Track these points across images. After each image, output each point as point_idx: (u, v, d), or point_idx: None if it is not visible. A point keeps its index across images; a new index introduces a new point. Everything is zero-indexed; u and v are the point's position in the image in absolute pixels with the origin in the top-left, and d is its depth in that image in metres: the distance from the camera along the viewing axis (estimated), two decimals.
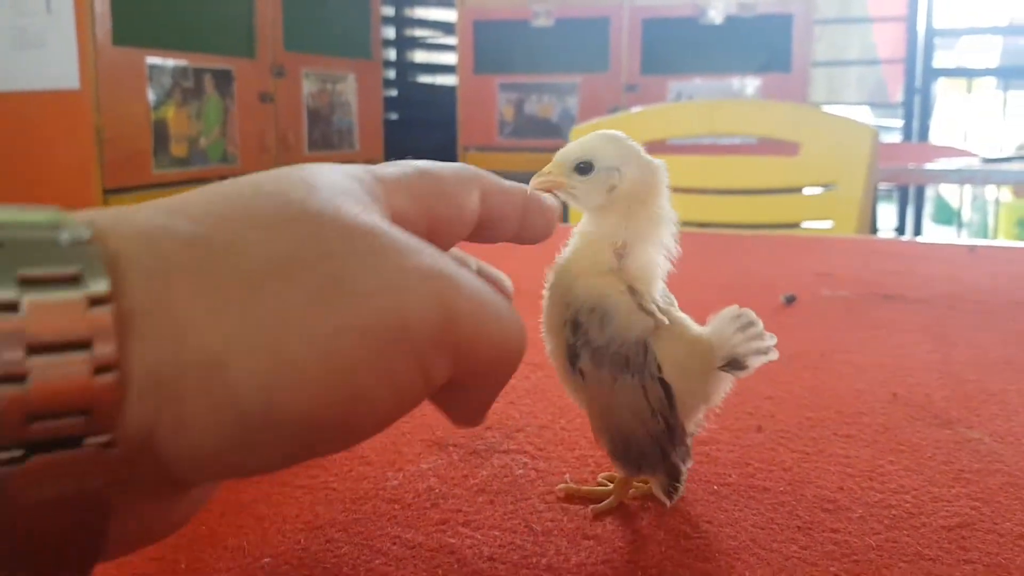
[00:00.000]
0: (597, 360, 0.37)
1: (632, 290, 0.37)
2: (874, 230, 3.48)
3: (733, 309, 0.38)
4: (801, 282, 0.89)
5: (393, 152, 4.15)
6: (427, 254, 0.27)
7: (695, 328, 0.39)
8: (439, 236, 0.31)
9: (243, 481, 0.43)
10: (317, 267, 0.25)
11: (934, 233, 5.26)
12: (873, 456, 0.46)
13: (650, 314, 0.37)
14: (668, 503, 0.39)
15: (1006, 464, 0.44)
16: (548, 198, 0.37)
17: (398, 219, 0.29)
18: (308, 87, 3.44)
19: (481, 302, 0.27)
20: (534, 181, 0.39)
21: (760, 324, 0.38)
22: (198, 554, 0.36)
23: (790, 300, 0.79)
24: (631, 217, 0.38)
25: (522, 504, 0.40)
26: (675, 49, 3.73)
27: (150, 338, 0.22)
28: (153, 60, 2.74)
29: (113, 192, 2.64)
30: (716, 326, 0.38)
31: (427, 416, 0.52)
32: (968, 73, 4.78)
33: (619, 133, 0.39)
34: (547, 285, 0.39)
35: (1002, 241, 3.75)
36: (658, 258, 0.38)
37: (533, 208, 0.35)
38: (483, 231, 0.34)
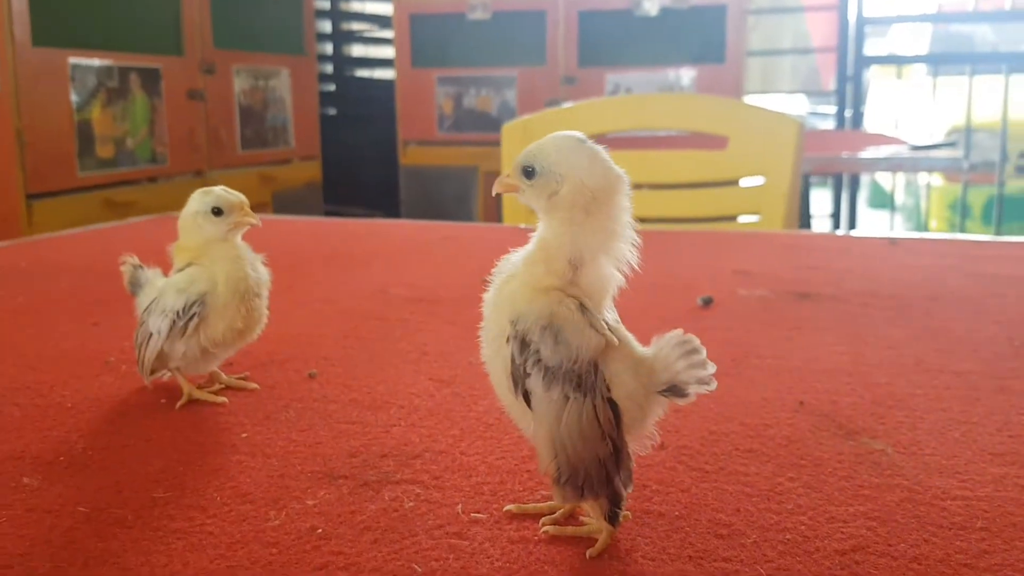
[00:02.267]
0: (549, 380, 0.35)
1: (582, 307, 0.36)
2: (807, 217, 3.52)
3: (678, 334, 0.37)
4: (719, 281, 0.88)
5: (331, 147, 4.08)
6: None
7: (639, 349, 0.37)
8: None
9: (115, 525, 0.40)
10: None
11: (870, 218, 5.35)
12: (774, 473, 0.45)
13: (601, 333, 0.35)
14: (613, 528, 0.37)
15: (906, 478, 0.44)
16: None
17: None
18: (240, 84, 3.37)
19: None
20: (496, 185, 0.38)
21: (703, 352, 0.37)
22: None
23: (707, 302, 0.78)
24: (576, 225, 0.36)
25: (408, 542, 0.38)
26: (611, 41, 3.73)
27: None
28: (76, 60, 2.65)
29: (36, 197, 2.55)
30: (660, 350, 0.37)
31: (322, 445, 0.50)
32: (899, 60, 4.86)
33: (578, 135, 0.37)
34: (490, 291, 0.38)
35: (925, 233, 3.83)
36: (612, 271, 0.37)
37: None
38: None
